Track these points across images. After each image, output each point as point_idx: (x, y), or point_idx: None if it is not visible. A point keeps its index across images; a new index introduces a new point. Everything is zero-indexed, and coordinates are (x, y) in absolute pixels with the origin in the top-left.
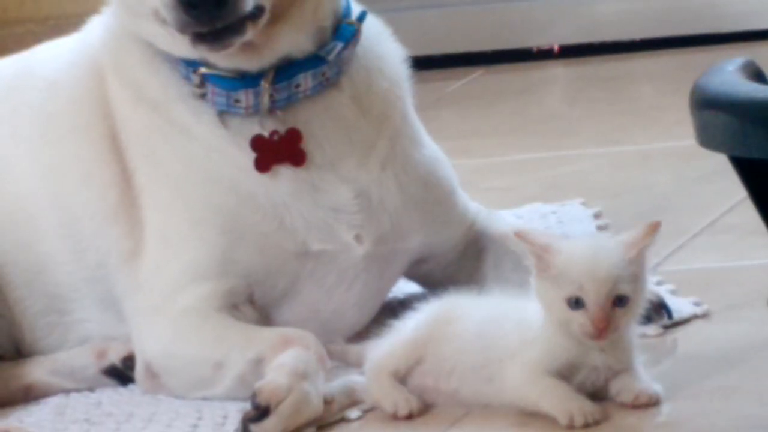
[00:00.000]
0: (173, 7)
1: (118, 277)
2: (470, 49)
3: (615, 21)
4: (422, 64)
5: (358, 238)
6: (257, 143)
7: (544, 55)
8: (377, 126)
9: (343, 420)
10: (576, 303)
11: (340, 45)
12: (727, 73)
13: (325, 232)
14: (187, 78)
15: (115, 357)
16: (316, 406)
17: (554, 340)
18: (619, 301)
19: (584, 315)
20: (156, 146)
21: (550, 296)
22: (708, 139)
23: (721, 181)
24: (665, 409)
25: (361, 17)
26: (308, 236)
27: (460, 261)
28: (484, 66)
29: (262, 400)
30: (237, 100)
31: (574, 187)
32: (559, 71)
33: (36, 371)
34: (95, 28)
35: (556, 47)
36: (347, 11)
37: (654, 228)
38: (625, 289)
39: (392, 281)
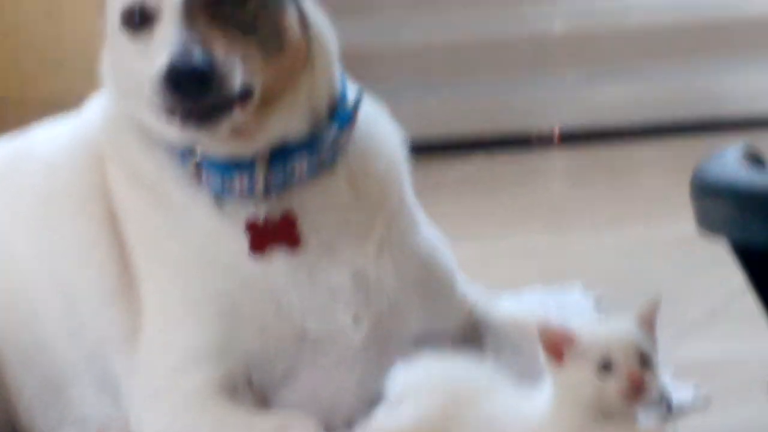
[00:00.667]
0: (160, 90)
1: (117, 357)
2: (470, 134)
3: (615, 107)
4: (422, 149)
5: (356, 319)
6: (252, 227)
7: (544, 140)
8: (374, 210)
9: None
10: (605, 368)
11: (336, 129)
12: (728, 159)
13: (323, 314)
14: (183, 162)
15: None
16: None
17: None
18: (644, 361)
19: (617, 377)
20: (153, 227)
21: (577, 377)
22: (708, 225)
23: (720, 268)
24: None
25: (358, 99)
26: (306, 319)
27: (459, 346)
28: (484, 151)
29: None
30: (232, 184)
31: (574, 272)
32: (559, 157)
33: None
34: (93, 110)
35: (556, 133)
36: (343, 93)
37: (657, 303)
38: (647, 347)
39: (392, 364)
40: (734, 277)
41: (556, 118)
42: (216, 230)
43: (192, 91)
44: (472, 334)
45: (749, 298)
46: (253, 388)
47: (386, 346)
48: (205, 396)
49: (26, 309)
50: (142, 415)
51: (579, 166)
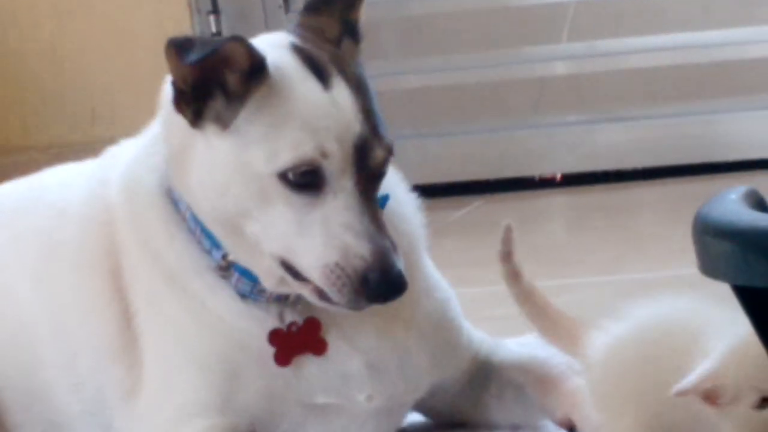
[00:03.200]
0: (351, 298)
1: (116, 414)
2: (472, 178)
3: (617, 150)
4: (424, 192)
5: (369, 398)
6: (276, 337)
7: (545, 183)
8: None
9: None
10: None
11: None
12: (730, 201)
13: (334, 393)
14: (210, 253)
15: None
16: None
17: None
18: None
19: None
20: (160, 295)
21: (742, 416)
22: (711, 267)
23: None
24: None
25: (383, 202)
26: (316, 394)
27: (464, 391)
28: (486, 194)
29: None
30: (261, 290)
31: (575, 315)
32: (560, 200)
33: None
34: (114, 166)
35: (558, 176)
36: None
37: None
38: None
39: (402, 420)
40: (738, 319)
41: (558, 161)
42: (233, 320)
43: (384, 300)
44: (476, 378)
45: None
46: None
47: (398, 409)
48: None
49: (28, 354)
50: None
51: (579, 209)
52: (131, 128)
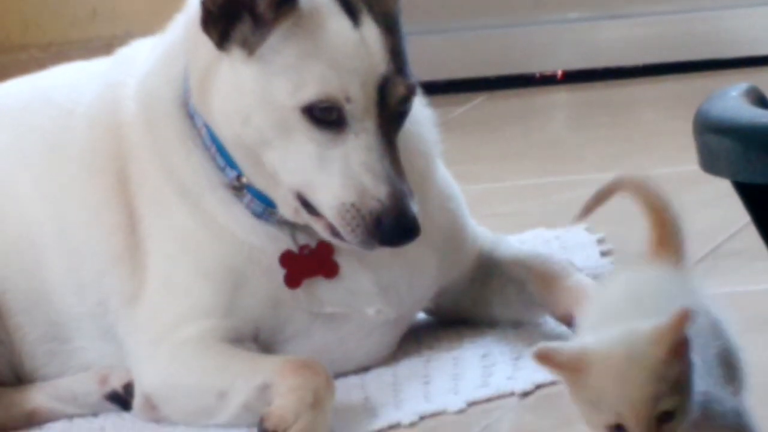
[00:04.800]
0: (362, 229)
1: (118, 318)
2: (473, 75)
3: (618, 47)
4: (425, 89)
5: (378, 312)
6: (287, 259)
7: (547, 80)
8: None
9: None
10: (618, 429)
11: None
12: (731, 98)
13: (343, 305)
14: (224, 170)
15: (117, 383)
16: None
17: None
18: (665, 416)
19: None
20: (170, 205)
21: (593, 420)
22: (711, 164)
23: (723, 206)
24: None
25: None
26: (323, 306)
27: (466, 289)
28: (487, 91)
29: (269, 425)
30: (273, 212)
31: (577, 212)
32: (562, 96)
33: (38, 397)
34: (126, 69)
35: (559, 73)
36: None
37: (683, 318)
38: (668, 403)
39: (409, 324)
40: (737, 215)
41: (559, 58)
42: (248, 229)
43: (398, 244)
44: (478, 274)
45: (752, 235)
46: (259, 342)
47: (405, 319)
48: (208, 342)
49: (30, 256)
50: (142, 362)
51: (581, 106)
52: (132, 27)
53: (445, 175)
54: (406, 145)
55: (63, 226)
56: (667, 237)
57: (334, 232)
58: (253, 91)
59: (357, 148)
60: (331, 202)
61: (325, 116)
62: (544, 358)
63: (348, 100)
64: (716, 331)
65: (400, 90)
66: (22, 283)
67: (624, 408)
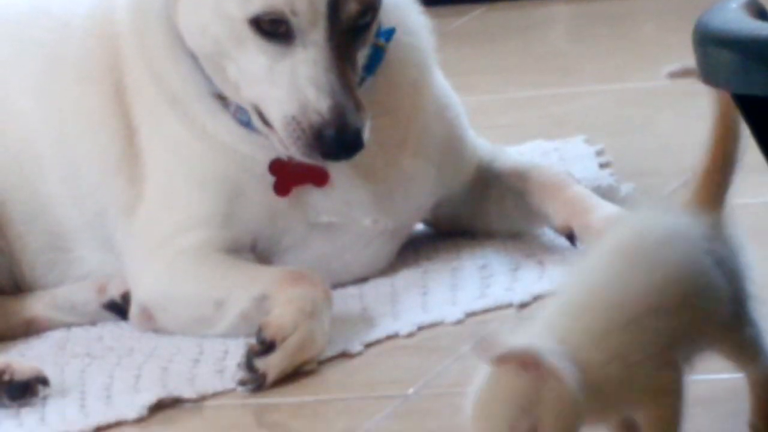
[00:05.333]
0: (302, 141)
1: (117, 228)
2: None
3: None
4: (425, 0)
5: (374, 222)
6: (276, 166)
7: None
8: (405, 122)
9: (345, 354)
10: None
11: (369, 78)
12: (731, 10)
13: (339, 215)
14: (211, 80)
15: (115, 292)
16: (320, 344)
17: None
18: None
19: None
20: (163, 114)
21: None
22: (710, 76)
23: None
24: None
25: (389, 36)
26: (319, 215)
27: (465, 200)
28: (487, 3)
29: (268, 335)
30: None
31: (577, 124)
32: (562, 8)
33: (37, 306)
34: None
35: None
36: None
37: (524, 362)
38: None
39: (407, 235)
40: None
41: None
42: (233, 145)
43: (337, 158)
44: (477, 185)
45: (751, 148)
46: (256, 253)
47: (403, 229)
48: (205, 253)
49: (30, 166)
50: (139, 272)
51: (581, 17)
52: None
53: (443, 85)
54: (397, 56)
55: (61, 137)
56: (719, 170)
57: (284, 145)
58: (207, 3)
59: (304, 61)
60: (277, 114)
61: (273, 29)
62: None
63: (294, 13)
64: (734, 279)
65: (351, 6)
66: (21, 193)
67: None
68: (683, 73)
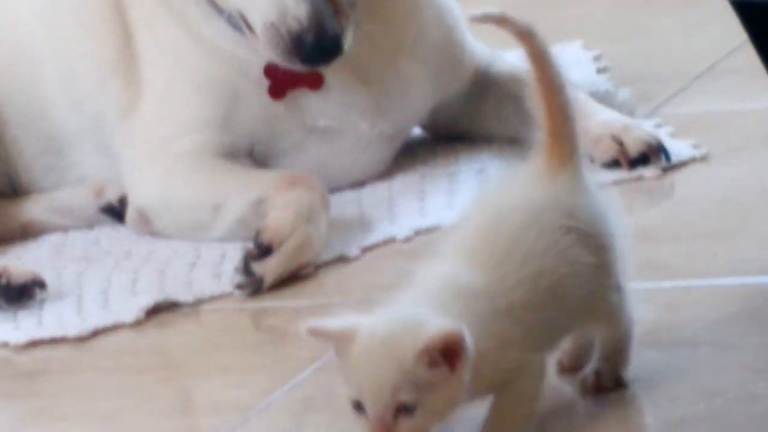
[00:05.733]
0: (281, 47)
1: (114, 131)
2: None
3: None
4: None
5: (371, 126)
6: (271, 71)
7: None
8: (401, 25)
9: (342, 258)
10: (359, 407)
11: None
12: None
13: (337, 119)
14: None
15: (112, 196)
16: (317, 248)
17: None
18: (404, 409)
19: (366, 422)
20: (159, 19)
21: (347, 394)
22: None
23: (722, 24)
24: (662, 249)
25: None
26: (317, 119)
27: (463, 104)
28: None
29: (265, 238)
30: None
31: (575, 29)
32: None
33: (34, 209)
34: None
35: None
36: None
37: (450, 340)
38: (406, 398)
39: (404, 140)
40: (735, 33)
41: None
42: (232, 42)
43: (316, 64)
44: (475, 90)
45: (750, 54)
46: (254, 158)
47: (400, 134)
48: (203, 157)
49: (27, 70)
50: (136, 176)
51: None
52: None
53: None
54: None
55: (59, 41)
56: (560, 128)
57: (266, 51)
58: None
59: None
60: (257, 20)
61: None
62: (316, 334)
63: None
64: (599, 251)
65: None
66: (19, 97)
67: (365, 385)
68: (483, 19)
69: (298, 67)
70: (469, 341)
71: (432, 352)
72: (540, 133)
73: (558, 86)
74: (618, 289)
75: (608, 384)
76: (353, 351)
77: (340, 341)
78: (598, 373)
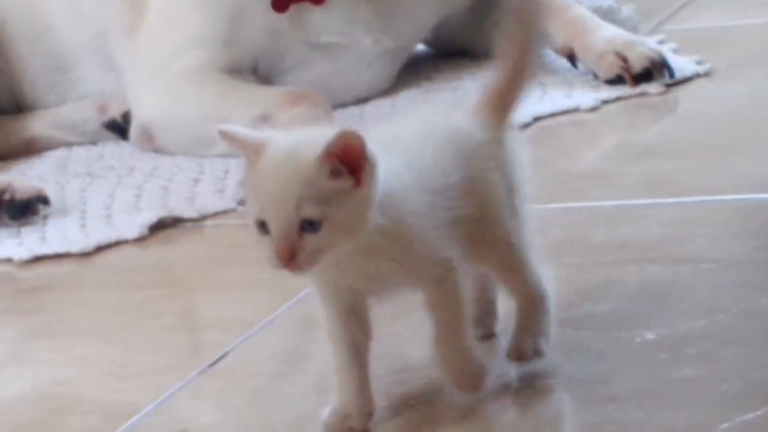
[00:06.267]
0: None
1: (118, 48)
2: None
3: None
4: None
5: (375, 41)
6: None
7: None
8: None
9: None
10: (263, 227)
11: None
12: None
13: (340, 34)
14: None
15: (116, 112)
16: None
17: None
18: (309, 225)
19: (269, 242)
20: None
21: (249, 212)
22: None
23: None
24: (665, 165)
25: None
26: (320, 34)
27: (466, 20)
28: None
29: None
30: None
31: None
32: None
33: (38, 125)
34: None
35: None
36: None
37: (347, 139)
38: (310, 212)
39: (408, 56)
40: None
41: None
42: None
43: None
44: (479, 5)
45: None
46: (258, 75)
47: (404, 50)
48: (206, 73)
49: None
50: (140, 92)
51: None
52: None
53: None
54: None
55: None
56: (508, 92)
57: None
58: None
59: None
60: None
61: None
62: (227, 137)
63: None
64: (511, 193)
65: None
66: (23, 13)
67: (267, 203)
68: None
69: None
70: (372, 149)
71: (332, 158)
72: (492, 79)
73: (532, 50)
74: (524, 247)
75: (529, 354)
76: (258, 166)
77: (250, 151)
78: (517, 343)
